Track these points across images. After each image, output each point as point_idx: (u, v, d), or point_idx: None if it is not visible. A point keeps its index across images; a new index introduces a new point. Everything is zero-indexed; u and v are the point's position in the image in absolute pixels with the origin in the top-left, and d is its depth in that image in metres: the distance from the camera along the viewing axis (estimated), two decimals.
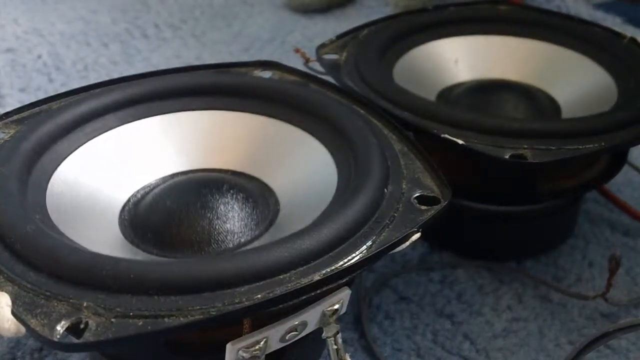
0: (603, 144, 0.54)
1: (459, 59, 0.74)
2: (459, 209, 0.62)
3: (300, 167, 0.53)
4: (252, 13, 1.23)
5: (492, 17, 0.77)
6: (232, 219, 0.48)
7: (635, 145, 0.58)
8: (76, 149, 0.51)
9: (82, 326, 0.35)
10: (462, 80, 0.73)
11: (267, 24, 1.18)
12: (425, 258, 0.67)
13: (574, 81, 0.70)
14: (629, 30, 0.83)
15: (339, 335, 0.44)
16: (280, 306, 0.39)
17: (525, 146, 0.54)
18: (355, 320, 0.60)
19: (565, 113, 0.67)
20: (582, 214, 0.72)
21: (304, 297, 0.39)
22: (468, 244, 0.67)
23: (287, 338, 0.42)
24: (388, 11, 1.18)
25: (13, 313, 0.36)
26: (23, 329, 0.36)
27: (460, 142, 0.54)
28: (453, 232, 0.66)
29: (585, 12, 1.16)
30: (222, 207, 0.49)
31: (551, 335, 0.59)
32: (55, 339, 0.35)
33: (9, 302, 0.37)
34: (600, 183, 0.64)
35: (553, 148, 0.54)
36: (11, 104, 0.91)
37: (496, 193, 0.63)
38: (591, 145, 0.54)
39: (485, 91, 0.71)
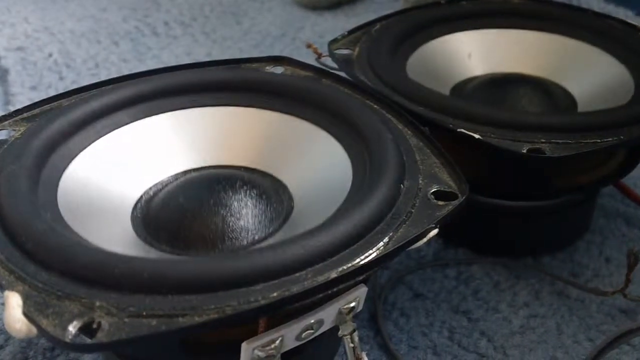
0: (622, 137, 0.53)
1: (473, 52, 0.73)
2: (474, 204, 0.61)
3: (314, 163, 0.52)
4: (262, 10, 1.22)
5: (505, 10, 0.76)
6: (246, 215, 0.48)
7: None
8: (87, 146, 0.50)
9: (94, 326, 0.35)
10: (475, 74, 0.72)
11: (277, 20, 1.18)
12: (440, 254, 0.66)
13: (589, 74, 0.69)
14: None
15: (356, 333, 0.44)
16: (297, 304, 0.38)
17: (543, 140, 0.53)
18: (370, 318, 0.59)
19: (582, 106, 0.66)
20: (597, 208, 0.71)
21: (320, 295, 0.38)
22: (483, 239, 0.67)
23: (302, 336, 0.41)
24: (398, 7, 1.17)
25: (24, 313, 0.36)
26: (34, 330, 0.35)
27: (477, 136, 0.53)
28: (468, 228, 0.65)
29: (597, 5, 1.15)
30: (235, 203, 0.48)
31: (569, 332, 0.58)
32: (67, 340, 0.34)
33: (20, 302, 0.36)
34: (618, 177, 0.63)
35: (571, 142, 0.53)
36: (22, 102, 0.90)
37: (512, 188, 0.62)
38: (610, 139, 0.53)
39: (500, 85, 0.70)
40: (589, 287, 0.62)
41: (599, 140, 0.53)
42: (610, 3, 1.17)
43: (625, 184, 0.69)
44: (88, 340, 0.34)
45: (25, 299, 0.36)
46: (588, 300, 0.61)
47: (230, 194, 0.49)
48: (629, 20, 0.73)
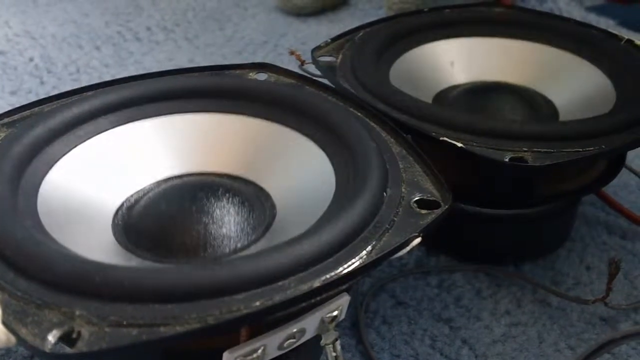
0: (604, 146, 0.54)
1: (455, 61, 0.73)
2: (456, 212, 0.61)
3: (297, 170, 0.52)
4: (245, 16, 1.22)
5: (488, 19, 0.77)
6: (228, 223, 0.47)
7: (636, 148, 0.58)
8: (68, 152, 0.50)
9: (74, 335, 0.34)
10: (458, 82, 0.72)
11: (260, 26, 1.18)
12: (422, 262, 0.66)
13: (571, 83, 0.69)
14: (622, 33, 0.82)
15: (338, 342, 0.43)
16: (279, 314, 0.38)
17: (525, 149, 0.53)
18: (352, 326, 0.59)
19: (563, 115, 0.67)
20: (578, 217, 0.71)
21: (303, 305, 0.38)
22: (465, 247, 0.67)
23: (285, 345, 0.41)
24: (381, 14, 1.18)
25: (3, 322, 0.35)
26: (13, 339, 0.35)
27: (460, 145, 0.53)
28: (450, 235, 0.65)
29: (578, 14, 1.16)
30: (217, 211, 0.48)
31: (550, 340, 0.58)
32: (47, 349, 0.34)
33: None
34: (599, 186, 0.64)
35: (553, 151, 0.53)
36: (2, 107, 0.89)
37: (494, 196, 0.63)
38: (591, 148, 0.54)
39: (482, 93, 0.70)
40: (570, 296, 0.62)
41: (581, 150, 0.53)
42: (592, 12, 1.18)
43: (606, 193, 0.69)
44: (68, 350, 0.34)
45: (4, 308, 0.36)
46: (569, 308, 0.61)
47: (213, 201, 0.48)
48: (611, 30, 0.74)
